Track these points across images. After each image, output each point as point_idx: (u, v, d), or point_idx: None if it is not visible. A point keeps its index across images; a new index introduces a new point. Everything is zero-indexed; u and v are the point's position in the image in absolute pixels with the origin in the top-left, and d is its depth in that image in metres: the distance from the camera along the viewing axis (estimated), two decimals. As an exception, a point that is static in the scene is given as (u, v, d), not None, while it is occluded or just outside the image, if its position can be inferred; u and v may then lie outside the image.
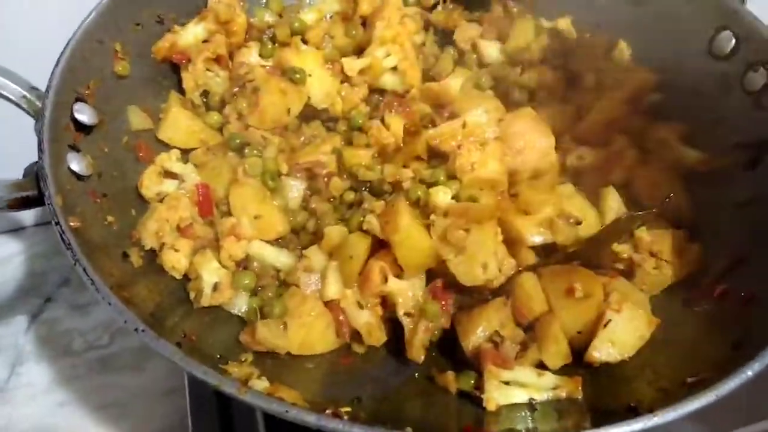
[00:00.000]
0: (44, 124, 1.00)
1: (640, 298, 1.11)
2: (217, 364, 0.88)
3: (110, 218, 1.06)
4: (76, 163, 1.02)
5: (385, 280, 1.08)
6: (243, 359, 0.98)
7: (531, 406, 0.99)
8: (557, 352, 1.04)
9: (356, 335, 1.10)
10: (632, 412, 0.85)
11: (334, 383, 1.03)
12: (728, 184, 1.21)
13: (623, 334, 1.03)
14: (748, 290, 1.04)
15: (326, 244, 1.13)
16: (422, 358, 1.07)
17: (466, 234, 1.04)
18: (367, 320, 1.08)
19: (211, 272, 1.10)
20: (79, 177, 1.03)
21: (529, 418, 0.97)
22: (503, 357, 1.02)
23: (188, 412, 1.26)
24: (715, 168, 1.24)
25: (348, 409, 0.87)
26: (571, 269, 1.09)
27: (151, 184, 1.17)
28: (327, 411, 0.77)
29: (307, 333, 1.06)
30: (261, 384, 0.87)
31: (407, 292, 1.08)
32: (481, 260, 1.04)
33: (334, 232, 1.13)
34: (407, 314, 1.08)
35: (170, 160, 1.19)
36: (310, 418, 0.73)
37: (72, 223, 0.91)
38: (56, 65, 1.07)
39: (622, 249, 1.15)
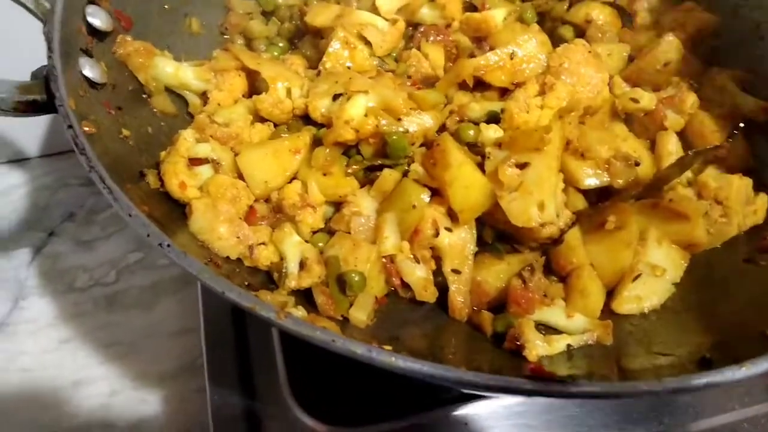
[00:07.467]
0: (54, 24, 0.90)
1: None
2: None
3: (125, 132, 0.96)
4: (89, 69, 0.92)
5: (437, 233, 0.99)
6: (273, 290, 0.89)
7: (568, 353, 0.92)
8: (584, 306, 0.96)
9: (405, 285, 1.01)
10: (706, 365, 0.76)
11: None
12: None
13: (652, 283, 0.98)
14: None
15: (379, 188, 1.01)
16: (466, 318, 0.99)
17: (522, 170, 0.94)
18: (422, 275, 0.99)
19: (293, 248, 0.97)
20: (92, 84, 0.93)
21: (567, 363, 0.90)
22: (532, 291, 0.95)
23: (203, 352, 1.18)
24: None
25: (389, 348, 0.79)
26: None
27: (187, 180, 0.96)
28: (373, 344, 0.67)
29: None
30: (298, 313, 0.78)
31: (458, 247, 0.99)
32: (538, 198, 0.93)
33: (391, 175, 1.01)
34: (454, 270, 0.99)
35: (193, 146, 1.00)
36: (360, 350, 0.63)
37: (86, 128, 0.81)
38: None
39: (686, 193, 1.05)
